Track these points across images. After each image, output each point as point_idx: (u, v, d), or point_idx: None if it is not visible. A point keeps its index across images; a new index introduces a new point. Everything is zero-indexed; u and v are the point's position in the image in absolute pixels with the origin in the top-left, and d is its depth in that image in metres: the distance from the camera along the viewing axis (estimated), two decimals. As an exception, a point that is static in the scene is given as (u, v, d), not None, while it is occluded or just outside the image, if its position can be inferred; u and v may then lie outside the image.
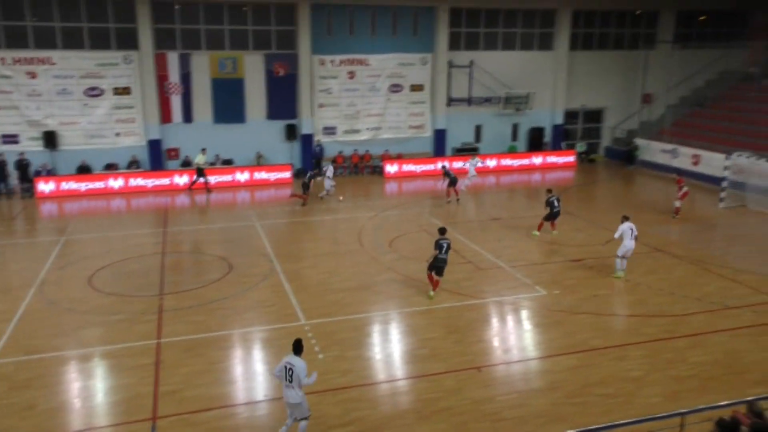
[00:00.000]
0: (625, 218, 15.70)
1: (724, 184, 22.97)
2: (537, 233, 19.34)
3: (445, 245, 14.22)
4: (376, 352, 12.07)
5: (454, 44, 29.97)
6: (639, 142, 31.09)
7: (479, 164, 26.44)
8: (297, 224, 21.33)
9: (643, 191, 26.41)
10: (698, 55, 32.36)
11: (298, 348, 8.95)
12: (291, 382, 8.70)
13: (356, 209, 23.02)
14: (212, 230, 20.40)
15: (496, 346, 12.40)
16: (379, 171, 29.30)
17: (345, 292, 14.80)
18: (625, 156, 31.26)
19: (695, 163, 27.53)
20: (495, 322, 13.57)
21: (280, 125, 28.34)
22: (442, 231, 14.71)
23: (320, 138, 28.89)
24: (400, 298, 14.51)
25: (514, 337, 12.99)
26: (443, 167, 25.10)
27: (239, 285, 15.32)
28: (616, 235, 15.54)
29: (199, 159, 25.50)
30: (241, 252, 17.82)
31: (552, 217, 19.25)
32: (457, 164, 28.03)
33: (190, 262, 17.65)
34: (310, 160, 28.48)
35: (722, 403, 8.87)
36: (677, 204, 21.30)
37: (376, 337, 12.70)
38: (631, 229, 15.45)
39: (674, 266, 16.63)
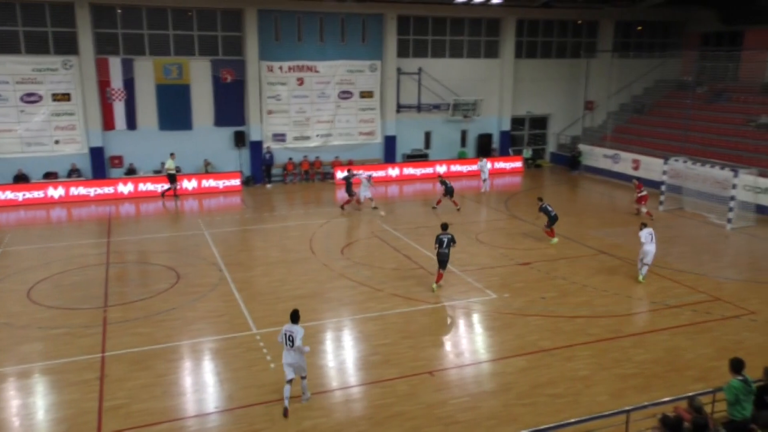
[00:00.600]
0: (644, 225, 16.13)
1: (663, 187, 23.89)
2: (555, 240, 19.26)
3: (445, 240, 15.09)
4: (329, 359, 12.00)
5: (402, 51, 30.24)
6: (582, 147, 32.05)
7: (489, 166, 27.58)
8: (247, 232, 21.04)
9: (588, 195, 27.20)
10: (636, 63, 33.66)
11: (295, 317, 10.27)
12: (292, 346, 10.04)
13: (307, 216, 22.88)
14: (159, 239, 19.89)
15: (448, 350, 12.52)
16: (329, 178, 29.24)
17: (297, 299, 14.67)
18: (569, 161, 32.18)
19: (635, 168, 28.53)
20: (447, 326, 13.71)
21: (228, 132, 27.94)
22: (444, 227, 15.56)
23: (270, 145, 28.62)
24: (353, 305, 14.49)
25: (466, 340, 13.13)
26: (440, 176, 25.39)
27: (188, 295, 14.98)
28: (643, 241, 15.81)
29: (170, 164, 24.98)
30: (189, 261, 17.44)
31: (552, 222, 19.34)
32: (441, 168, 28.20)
33: (135, 272, 17.15)
34: (260, 167, 28.18)
35: (665, 399, 9.19)
36: (643, 209, 22.17)
37: (328, 345, 12.63)
38: (651, 234, 15.87)
39: (618, 268, 17.17)
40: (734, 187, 21.13)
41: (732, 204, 21.20)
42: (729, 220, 21.21)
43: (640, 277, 16.06)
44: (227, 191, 26.70)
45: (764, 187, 22.46)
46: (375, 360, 11.87)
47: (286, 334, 10.13)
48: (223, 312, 14.03)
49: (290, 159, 29.02)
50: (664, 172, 23.93)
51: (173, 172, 25.04)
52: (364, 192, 23.47)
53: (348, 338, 12.96)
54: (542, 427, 8.39)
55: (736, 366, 8.32)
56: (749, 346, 12.32)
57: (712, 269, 17.10)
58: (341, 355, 12.22)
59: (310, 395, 10.49)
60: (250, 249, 19.16)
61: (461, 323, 13.87)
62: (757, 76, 29.18)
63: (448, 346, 12.74)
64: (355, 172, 24.40)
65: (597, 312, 14.15)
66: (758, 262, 18.13)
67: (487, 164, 27.60)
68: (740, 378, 8.19)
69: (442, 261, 15.17)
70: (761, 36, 29.19)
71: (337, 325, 13.46)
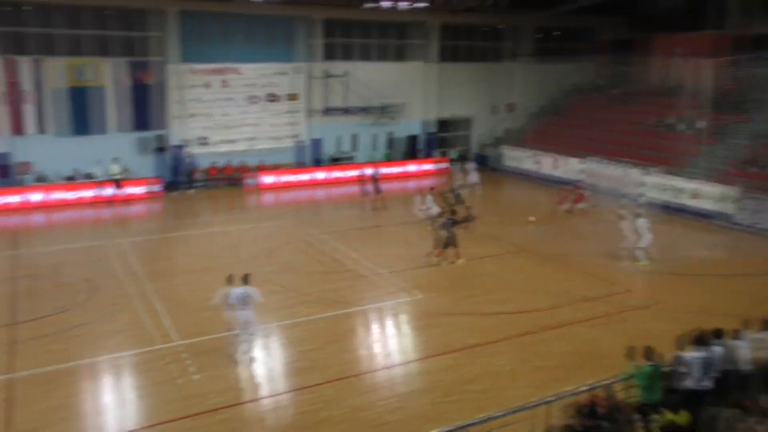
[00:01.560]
0: (639, 215, 17.76)
1: (585, 186, 24.88)
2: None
3: (449, 222, 17.78)
4: (255, 367, 11.75)
5: (329, 54, 30.15)
6: (504, 149, 32.93)
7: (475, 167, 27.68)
8: (168, 240, 20.35)
9: (510, 195, 27.95)
10: (554, 68, 34.92)
11: (246, 279, 11.86)
12: (248, 305, 11.43)
13: (232, 222, 22.40)
14: (73, 250, 18.90)
15: (376, 352, 12.53)
16: (255, 182, 28.69)
17: (221, 308, 14.30)
18: (493, 162, 32.96)
19: (555, 168, 29.60)
20: (375, 328, 13.73)
21: (146, 136, 26.91)
22: (452, 212, 19.05)
23: (191, 149, 27.77)
24: (279, 311, 14.25)
25: (393, 341, 13.20)
26: (373, 174, 25.04)
27: (105, 308, 14.30)
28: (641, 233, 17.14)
29: (114, 169, 23.97)
30: (106, 272, 16.66)
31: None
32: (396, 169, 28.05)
33: (47, 286, 16.15)
34: (182, 172, 27.31)
35: (582, 388, 9.50)
36: (567, 208, 23.25)
37: (254, 353, 12.37)
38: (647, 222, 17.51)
39: (539, 264, 17.73)
40: (643, 184, 22.27)
41: (641, 200, 22.32)
42: (638, 216, 22.28)
43: (644, 261, 17.32)
44: (147, 198, 25.72)
45: (669, 184, 23.79)
46: (301, 366, 11.72)
47: (243, 295, 11.48)
48: (143, 324, 13.47)
49: (213, 163, 28.31)
50: (581, 171, 24.92)
51: (118, 177, 24.15)
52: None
53: (274, 345, 12.74)
54: (467, 422, 8.51)
55: (647, 353, 8.82)
56: (658, 334, 12.86)
57: (624, 263, 17.92)
58: (267, 363, 11.99)
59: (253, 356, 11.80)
60: (172, 257, 18.53)
61: (389, 324, 13.92)
62: (663, 79, 30.86)
63: (375, 348, 12.75)
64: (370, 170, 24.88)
65: (520, 307, 14.53)
66: (664, 255, 19.10)
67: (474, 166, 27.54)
68: (651, 364, 8.65)
69: (449, 242, 17.59)
70: (665, 42, 30.94)
71: (263, 332, 13.19)
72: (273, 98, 29.37)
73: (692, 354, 8.87)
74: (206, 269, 17.03)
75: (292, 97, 29.81)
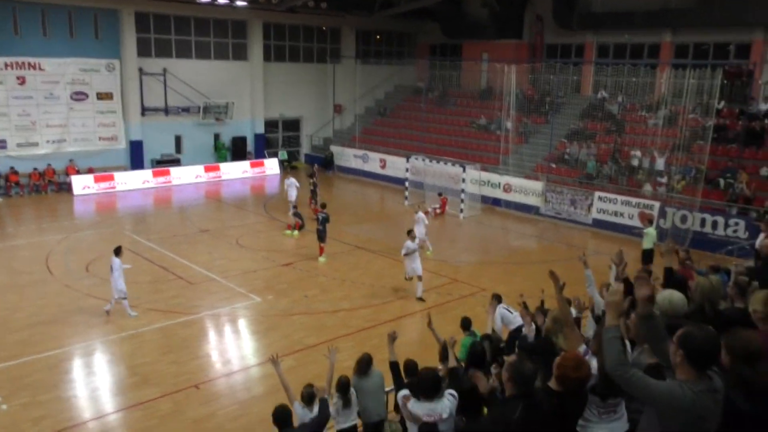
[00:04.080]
0: (417, 209, 19.34)
1: (407, 184, 26.19)
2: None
3: (320, 218, 18.08)
4: (77, 389, 10.77)
5: (143, 50, 28.37)
6: (334, 149, 33.55)
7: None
8: (-39, 256, 17.83)
9: (342, 194, 28.50)
10: (378, 70, 36.33)
11: (118, 251, 13.54)
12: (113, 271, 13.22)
13: (41, 233, 20.23)
14: None
15: (214, 360, 12.14)
16: (66, 188, 26.16)
17: (33, 328, 12.90)
18: (323, 162, 33.41)
19: (383, 167, 30.78)
20: (212, 335, 13.27)
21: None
22: (323, 206, 18.73)
23: (-14, 153, 24.59)
24: (104, 325, 13.21)
25: (232, 347, 12.86)
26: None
27: None
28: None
29: None
30: None
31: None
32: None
33: None
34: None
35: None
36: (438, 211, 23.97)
37: (76, 373, 11.34)
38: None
39: (372, 261, 18.36)
40: (463, 180, 24.05)
41: (462, 196, 24.10)
42: (461, 210, 24.08)
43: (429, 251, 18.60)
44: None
45: (486, 179, 25.96)
46: (133, 381, 10.98)
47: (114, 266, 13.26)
48: (-67, 354, 11.69)
49: (12, 168, 25.29)
50: (407, 170, 26.22)
51: None
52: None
53: (100, 362, 11.79)
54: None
55: (465, 324, 9.74)
56: (483, 319, 14.10)
57: (450, 255, 19.25)
58: (92, 382, 11.04)
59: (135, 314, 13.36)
60: (-34, 276, 16.26)
61: (226, 330, 13.54)
62: (475, 83, 33.58)
63: (213, 355, 12.34)
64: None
65: (356, 304, 14.94)
66: (486, 246, 20.92)
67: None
68: (468, 333, 9.52)
69: (318, 236, 18.00)
70: (475, 48, 33.68)
71: (86, 350, 12.14)
72: (82, 97, 26.96)
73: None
74: (12, 286, 15.28)
75: (105, 95, 27.61)
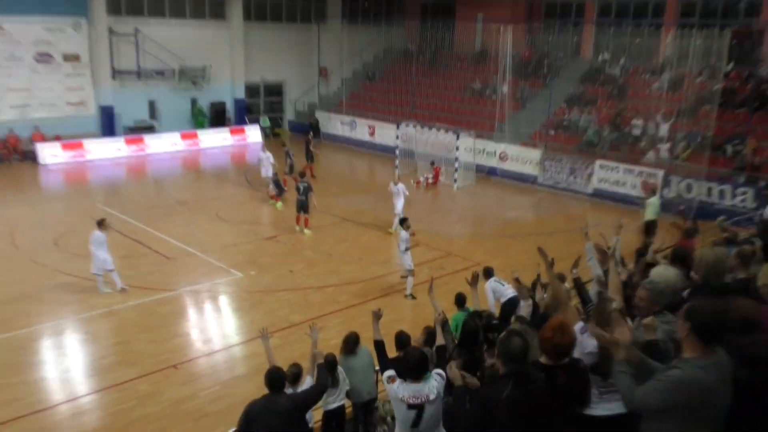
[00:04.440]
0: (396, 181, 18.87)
1: (397, 152, 26.02)
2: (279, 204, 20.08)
3: (301, 187, 17.80)
4: (48, 371, 10.70)
5: (113, 9, 27.73)
6: (319, 115, 33.22)
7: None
8: None
9: (328, 163, 28.25)
10: (366, 31, 35.74)
11: (101, 224, 13.37)
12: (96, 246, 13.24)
13: (5, 205, 19.95)
14: None
15: (195, 339, 12.11)
16: (31, 157, 25.75)
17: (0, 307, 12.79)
18: (308, 129, 33.03)
19: (372, 134, 30.58)
20: (192, 313, 13.23)
21: None
22: (301, 174, 18.73)
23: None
24: (76, 303, 13.11)
25: (213, 325, 12.84)
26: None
27: None
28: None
29: None
30: None
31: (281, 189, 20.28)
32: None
33: None
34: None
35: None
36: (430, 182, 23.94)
37: (46, 354, 11.27)
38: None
39: (361, 234, 18.31)
40: (457, 149, 23.94)
41: (456, 165, 24.01)
42: (455, 180, 24.01)
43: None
44: None
45: (481, 148, 25.85)
46: (108, 362, 10.93)
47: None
48: None
49: (-24, 136, 24.90)
50: (398, 137, 26.05)
51: None
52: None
53: (73, 342, 11.72)
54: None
55: (459, 300, 9.73)
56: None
57: (443, 226, 19.22)
58: (64, 363, 10.98)
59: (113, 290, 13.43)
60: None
61: (207, 308, 13.50)
62: (469, 45, 33.19)
63: (194, 334, 12.32)
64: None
65: (344, 279, 14.92)
66: (481, 217, 20.92)
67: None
68: (462, 310, 9.48)
69: (300, 207, 17.78)
70: (469, 8, 33.17)
71: (57, 329, 12.07)
72: (47, 59, 26.39)
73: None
74: (-26, 263, 15.09)
75: (72, 57, 27.06)
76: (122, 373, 10.56)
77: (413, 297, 13.97)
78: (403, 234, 14.04)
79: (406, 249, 14.01)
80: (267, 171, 21.69)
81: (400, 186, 18.49)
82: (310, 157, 24.93)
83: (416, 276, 14.86)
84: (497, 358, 4.44)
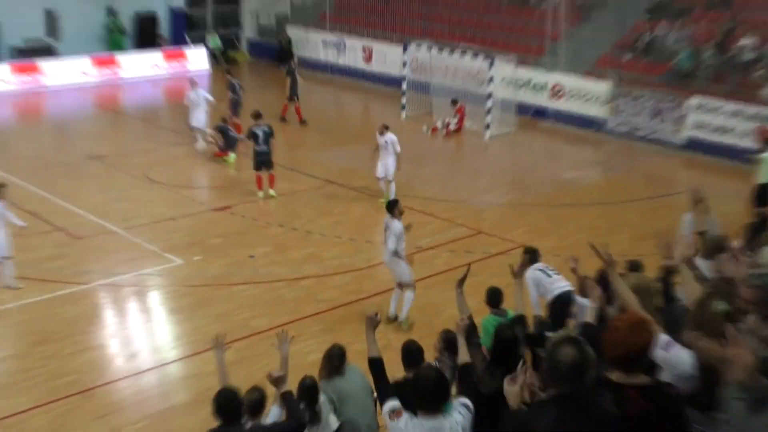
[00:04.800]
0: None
1: (404, 85, 25.84)
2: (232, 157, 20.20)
3: (260, 133, 17.68)
4: None
5: None
6: (292, 32, 32.90)
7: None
8: None
9: (307, 102, 27.90)
10: None
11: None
12: None
13: None
14: None
15: (114, 353, 12.21)
16: None
17: None
18: (277, 53, 32.75)
19: (368, 60, 30.36)
20: (109, 316, 13.33)
21: None
22: (257, 115, 18.23)
23: None
24: (-57, 303, 13.20)
25: (140, 334, 12.91)
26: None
27: None
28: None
29: None
30: None
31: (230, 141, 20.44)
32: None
33: None
34: None
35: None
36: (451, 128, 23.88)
37: None
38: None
39: (352, 202, 18.33)
40: (490, 80, 23.74)
41: (489, 104, 23.85)
42: (487, 126, 23.89)
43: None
44: None
45: (525, 79, 25.66)
46: (-11, 386, 11.02)
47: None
48: None
49: None
50: (405, 64, 25.83)
51: None
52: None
53: (-60, 358, 11.80)
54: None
55: (493, 297, 9.72)
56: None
57: (470, 194, 19.20)
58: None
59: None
60: None
61: (132, 308, 13.61)
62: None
63: (113, 346, 12.41)
64: None
65: (328, 268, 14.93)
66: (522, 180, 20.83)
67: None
68: (495, 312, 9.50)
69: (261, 161, 17.74)
70: None
71: None
72: None
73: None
74: None
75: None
76: (9, 403, 10.57)
77: (409, 327, 12.67)
78: (395, 225, 12.40)
79: (396, 253, 12.55)
80: (199, 120, 21.28)
81: (390, 137, 17.74)
82: (295, 92, 24.65)
83: (431, 264, 14.84)
84: (539, 374, 4.34)
